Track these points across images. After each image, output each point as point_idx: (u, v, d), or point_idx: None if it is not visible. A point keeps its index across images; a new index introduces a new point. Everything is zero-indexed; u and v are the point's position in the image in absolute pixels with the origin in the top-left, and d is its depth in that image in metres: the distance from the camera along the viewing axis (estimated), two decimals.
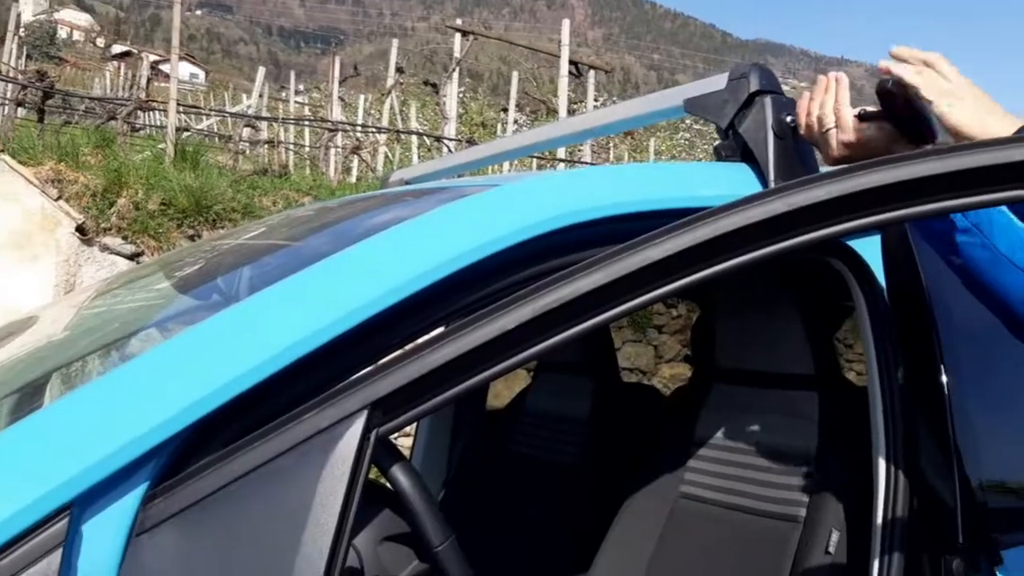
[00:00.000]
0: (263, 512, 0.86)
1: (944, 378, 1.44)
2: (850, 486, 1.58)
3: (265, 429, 0.88)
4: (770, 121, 1.33)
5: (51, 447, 0.87)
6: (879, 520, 1.37)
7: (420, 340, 0.95)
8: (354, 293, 0.96)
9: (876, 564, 1.36)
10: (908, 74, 1.23)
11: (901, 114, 1.27)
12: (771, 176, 1.29)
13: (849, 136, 1.30)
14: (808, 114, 1.33)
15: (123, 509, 0.85)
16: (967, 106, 1.23)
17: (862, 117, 1.30)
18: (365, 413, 0.87)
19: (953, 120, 1.22)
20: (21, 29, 15.91)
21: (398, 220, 1.08)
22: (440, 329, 1.07)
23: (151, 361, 0.94)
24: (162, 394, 0.89)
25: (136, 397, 0.89)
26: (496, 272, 1.08)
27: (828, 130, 1.31)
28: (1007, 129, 1.21)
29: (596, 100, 15.05)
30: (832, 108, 1.31)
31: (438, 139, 12.51)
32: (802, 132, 1.34)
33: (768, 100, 1.34)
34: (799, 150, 1.35)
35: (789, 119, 1.35)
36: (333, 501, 0.85)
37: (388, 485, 0.99)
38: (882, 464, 1.39)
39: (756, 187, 1.29)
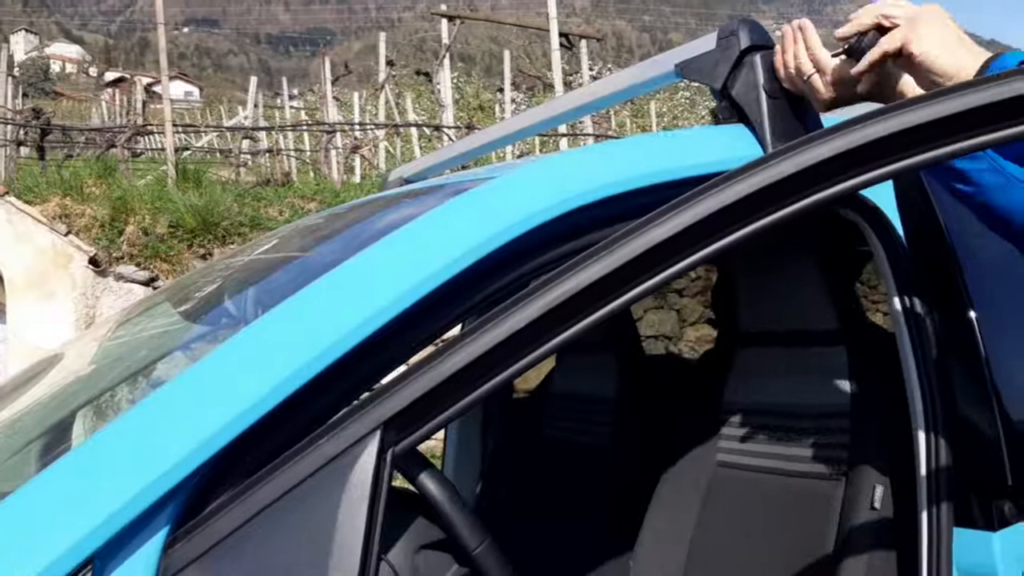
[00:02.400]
0: (286, 544, 0.84)
1: (973, 315, 1.40)
2: (889, 437, 1.55)
3: (279, 460, 0.86)
4: (761, 81, 1.28)
5: (68, 501, 0.85)
6: (923, 470, 1.34)
7: (428, 351, 0.92)
8: (354, 310, 0.93)
9: (924, 515, 1.33)
10: (864, 18, 1.22)
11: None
12: (768, 138, 1.24)
13: (831, 76, 1.26)
14: (785, 67, 1.29)
15: (145, 557, 0.84)
16: (935, 36, 1.19)
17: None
18: (378, 433, 0.85)
19: (923, 50, 1.18)
20: (15, 68, 15.98)
21: (392, 227, 1.05)
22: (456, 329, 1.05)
23: (158, 402, 0.92)
24: (173, 435, 0.87)
25: (146, 441, 0.88)
26: (503, 267, 1.05)
27: (810, 77, 1.27)
28: (975, 63, 1.17)
29: (591, 69, 14.94)
30: (806, 55, 1.27)
31: (437, 128, 12.48)
32: (786, 86, 1.30)
33: (758, 59, 1.29)
34: (796, 106, 1.31)
35: None
36: (356, 525, 0.83)
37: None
38: (919, 411, 1.36)
39: (756, 149, 1.25)
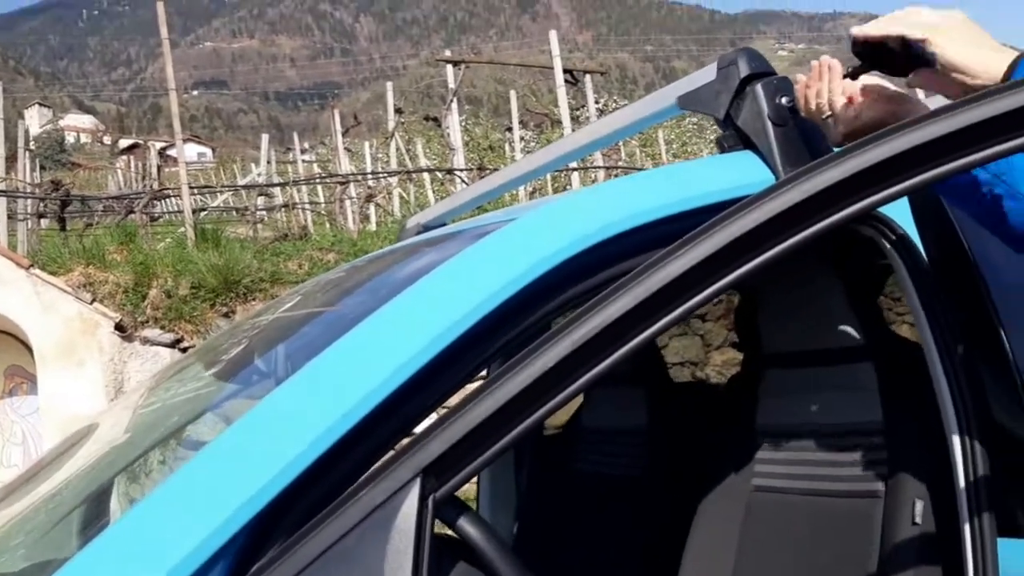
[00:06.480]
0: None
1: (999, 324, 1.40)
2: (926, 451, 1.54)
3: (323, 514, 0.87)
4: (766, 110, 1.30)
5: (119, 569, 0.86)
6: (962, 482, 1.33)
7: (462, 395, 0.94)
8: (384, 361, 0.95)
9: (967, 527, 1.32)
10: (885, 25, 1.24)
11: (891, 64, 1.28)
12: (778, 165, 1.26)
13: (844, 127, 1.30)
14: (806, 101, 1.32)
15: None
16: (960, 39, 1.22)
17: (853, 75, 1.31)
18: (419, 481, 0.86)
19: (949, 55, 1.21)
20: (31, 142, 16.28)
21: (416, 276, 1.08)
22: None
23: (199, 464, 0.94)
24: (218, 495, 0.89)
25: (192, 503, 0.89)
26: (528, 307, 1.06)
27: (827, 117, 1.31)
28: (1002, 62, 1.19)
29: (597, 103, 15.05)
30: (827, 97, 1.30)
31: (449, 172, 12.57)
32: (804, 116, 1.33)
33: (759, 88, 1.31)
34: (803, 131, 1.33)
35: (786, 100, 1.32)
36: (403, 574, 0.84)
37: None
38: (953, 422, 1.35)
39: (765, 174, 1.27)
